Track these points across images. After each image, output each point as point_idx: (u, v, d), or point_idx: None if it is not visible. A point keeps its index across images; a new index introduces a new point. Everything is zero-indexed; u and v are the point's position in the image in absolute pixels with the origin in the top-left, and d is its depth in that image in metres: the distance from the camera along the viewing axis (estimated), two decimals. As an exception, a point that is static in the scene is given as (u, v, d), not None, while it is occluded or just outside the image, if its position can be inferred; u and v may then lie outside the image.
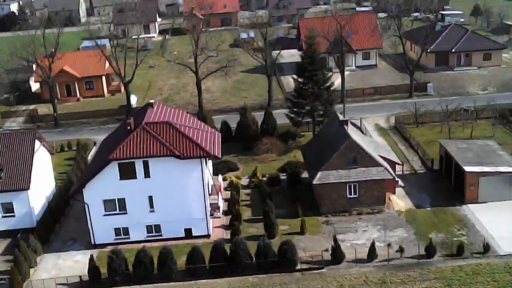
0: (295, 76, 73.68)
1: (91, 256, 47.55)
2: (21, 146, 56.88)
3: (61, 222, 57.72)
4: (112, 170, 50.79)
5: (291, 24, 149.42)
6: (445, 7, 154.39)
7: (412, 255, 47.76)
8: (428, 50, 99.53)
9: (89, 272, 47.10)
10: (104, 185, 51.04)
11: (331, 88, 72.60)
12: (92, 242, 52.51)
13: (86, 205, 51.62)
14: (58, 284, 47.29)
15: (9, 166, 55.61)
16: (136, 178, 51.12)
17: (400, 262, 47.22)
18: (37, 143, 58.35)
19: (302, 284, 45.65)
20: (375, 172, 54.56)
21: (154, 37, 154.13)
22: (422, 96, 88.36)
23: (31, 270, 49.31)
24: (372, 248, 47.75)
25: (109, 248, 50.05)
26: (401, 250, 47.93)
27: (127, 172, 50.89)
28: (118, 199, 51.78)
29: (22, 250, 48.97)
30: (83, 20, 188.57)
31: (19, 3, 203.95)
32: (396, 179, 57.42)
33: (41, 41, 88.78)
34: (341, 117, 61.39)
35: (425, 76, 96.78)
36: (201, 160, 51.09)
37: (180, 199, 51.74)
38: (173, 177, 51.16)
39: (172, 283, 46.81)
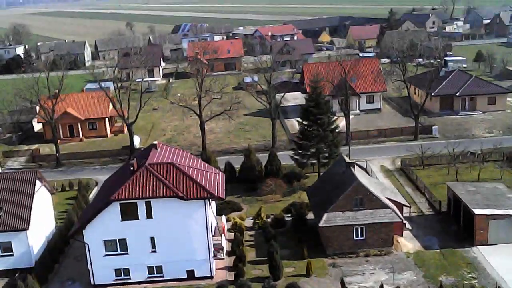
0: (299, 119, 73.26)
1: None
2: (21, 186, 56.02)
3: (61, 261, 56.28)
4: (113, 211, 49.78)
5: (294, 69, 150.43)
6: (447, 53, 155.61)
7: (422, 299, 46.24)
8: (433, 94, 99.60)
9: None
10: (105, 226, 49.97)
11: (336, 131, 72.08)
12: (92, 283, 51.04)
13: (86, 245, 50.38)
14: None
15: (9, 205, 54.63)
16: (138, 219, 49.99)
17: (410, 306, 45.67)
18: (38, 183, 57.50)
19: (308, 328, 44.01)
20: (382, 214, 53.42)
21: (158, 80, 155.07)
22: (427, 138, 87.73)
23: (28, 313, 47.74)
24: (381, 290, 46.22)
25: (109, 289, 48.72)
26: (410, 294, 46.40)
27: (129, 213, 49.85)
28: (119, 239, 50.55)
29: (20, 292, 47.49)
30: (88, 64, 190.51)
31: (25, 46, 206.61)
32: (404, 221, 56.17)
33: (45, 83, 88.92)
34: (347, 159, 60.60)
35: (430, 120, 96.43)
36: (204, 201, 50.08)
37: (183, 240, 50.51)
38: (176, 218, 50.08)
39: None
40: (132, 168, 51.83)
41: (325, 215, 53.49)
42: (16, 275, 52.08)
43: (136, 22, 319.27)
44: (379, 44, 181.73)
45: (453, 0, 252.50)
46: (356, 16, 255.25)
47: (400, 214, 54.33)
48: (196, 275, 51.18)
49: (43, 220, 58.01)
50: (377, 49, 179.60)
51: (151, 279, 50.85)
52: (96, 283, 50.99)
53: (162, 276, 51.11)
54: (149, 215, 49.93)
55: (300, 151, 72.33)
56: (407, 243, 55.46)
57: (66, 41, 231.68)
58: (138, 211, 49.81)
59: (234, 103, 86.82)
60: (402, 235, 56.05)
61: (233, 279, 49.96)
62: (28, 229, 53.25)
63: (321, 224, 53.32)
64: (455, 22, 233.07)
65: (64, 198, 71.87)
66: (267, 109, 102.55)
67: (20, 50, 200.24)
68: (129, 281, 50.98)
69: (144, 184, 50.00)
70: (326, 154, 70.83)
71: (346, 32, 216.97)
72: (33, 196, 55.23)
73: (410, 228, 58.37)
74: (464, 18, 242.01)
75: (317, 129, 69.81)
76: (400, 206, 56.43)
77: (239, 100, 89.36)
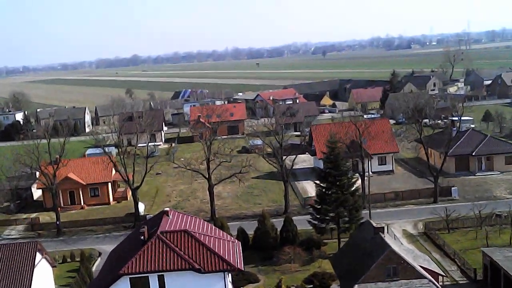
0: (317, 181, 69.22)
1: None
2: (21, 259, 51.61)
3: None
4: (122, 286, 44.98)
5: (299, 132, 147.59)
6: (453, 114, 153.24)
7: None
8: (448, 154, 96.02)
9: None
10: (113, 302, 45.10)
11: (357, 193, 67.98)
12: None
13: (91, 325, 45.32)
14: None
15: (7, 280, 49.85)
16: (149, 294, 45.21)
17: None
18: (38, 255, 52.89)
19: None
20: (418, 284, 48.48)
21: (160, 145, 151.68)
22: (447, 201, 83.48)
23: None
24: None
25: None
26: None
27: (139, 288, 45.09)
28: (128, 319, 45.56)
29: None
30: (88, 129, 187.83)
31: (24, 113, 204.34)
32: (440, 291, 51.28)
33: (45, 149, 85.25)
34: (374, 224, 56.16)
35: (447, 181, 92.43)
36: (224, 274, 45.40)
37: (200, 317, 45.52)
38: (192, 293, 45.31)
39: None
40: (142, 237, 47.32)
41: (356, 286, 48.61)
42: None
43: (135, 88, 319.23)
44: (382, 106, 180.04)
45: (452, 62, 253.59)
46: (356, 79, 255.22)
47: (437, 285, 49.48)
48: None
49: (43, 295, 52.98)
50: (380, 111, 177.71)
51: None
52: None
53: None
54: (162, 290, 45.10)
55: (318, 216, 67.97)
56: (445, 316, 50.46)
57: (66, 107, 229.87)
58: (150, 286, 44.99)
59: (245, 166, 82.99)
60: (438, 308, 51.04)
61: None
62: (27, 307, 48.25)
63: (351, 296, 48.40)
64: (456, 84, 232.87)
65: (65, 271, 66.61)
66: (275, 172, 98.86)
67: (19, 116, 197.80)
68: None
69: (156, 256, 45.47)
70: (347, 219, 66.43)
71: (347, 95, 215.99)
72: (33, 270, 50.54)
73: (445, 299, 53.46)
74: (464, 80, 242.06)
75: (336, 192, 65.72)
76: (435, 275, 51.71)
77: (250, 163, 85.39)
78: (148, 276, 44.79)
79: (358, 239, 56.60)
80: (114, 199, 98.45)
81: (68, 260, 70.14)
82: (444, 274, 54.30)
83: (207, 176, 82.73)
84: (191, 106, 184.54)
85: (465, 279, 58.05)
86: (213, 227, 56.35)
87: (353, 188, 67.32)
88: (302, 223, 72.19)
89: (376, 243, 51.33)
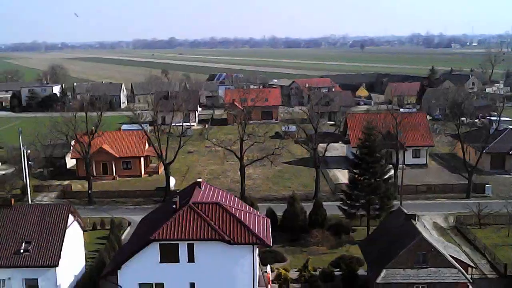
0: (350, 168, 68.80)
1: None
2: (53, 220, 51.96)
3: (89, 305, 51.74)
4: (152, 252, 45.33)
5: (333, 121, 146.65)
6: (491, 113, 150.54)
7: None
8: (484, 151, 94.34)
9: None
10: (142, 268, 45.45)
11: (390, 181, 67.33)
12: (124, 328, 46.19)
13: (120, 288, 45.85)
14: None
15: (39, 239, 50.50)
16: (178, 262, 45.45)
17: None
18: (70, 217, 53.51)
19: None
20: (447, 274, 48.02)
21: (194, 125, 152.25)
22: (480, 197, 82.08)
23: None
24: None
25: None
26: None
27: (169, 255, 45.34)
28: (156, 283, 45.90)
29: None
30: (123, 106, 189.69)
31: (61, 85, 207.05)
32: (469, 283, 50.54)
33: (82, 119, 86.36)
34: (405, 211, 55.57)
35: (481, 178, 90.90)
36: (253, 247, 45.43)
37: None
38: (220, 264, 45.41)
39: None
40: (174, 206, 47.64)
41: (384, 271, 48.24)
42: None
43: (171, 70, 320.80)
44: (419, 101, 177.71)
45: (493, 63, 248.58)
46: (393, 74, 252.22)
47: (466, 275, 48.83)
48: (239, 327, 46.07)
49: (73, 258, 53.74)
50: (416, 106, 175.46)
51: (189, 329, 45.61)
52: (129, 329, 46.11)
53: (202, 325, 46.08)
54: (191, 259, 45.34)
55: (348, 202, 67.57)
56: (473, 308, 49.78)
57: (103, 82, 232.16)
58: (179, 254, 45.30)
59: (277, 148, 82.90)
60: (466, 299, 50.40)
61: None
62: (57, 266, 48.93)
63: (378, 280, 48.04)
64: (496, 84, 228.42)
65: (95, 237, 67.58)
66: (307, 158, 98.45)
67: (56, 89, 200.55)
68: (165, 328, 45.88)
69: (187, 224, 45.73)
70: (378, 206, 65.88)
71: (383, 88, 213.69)
72: (65, 230, 51.15)
73: (473, 291, 52.65)
74: (504, 81, 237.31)
75: (368, 179, 65.21)
76: (465, 266, 50.96)
77: (283, 145, 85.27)
78: (178, 244, 45.05)
79: (388, 225, 56.12)
80: (145, 172, 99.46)
81: (98, 227, 71.18)
82: (474, 266, 53.52)
83: (239, 156, 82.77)
84: (225, 88, 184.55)
85: (494, 274, 57.14)
86: (243, 203, 56.48)
87: (386, 176, 66.67)
88: (331, 209, 71.91)
89: (406, 230, 50.81)
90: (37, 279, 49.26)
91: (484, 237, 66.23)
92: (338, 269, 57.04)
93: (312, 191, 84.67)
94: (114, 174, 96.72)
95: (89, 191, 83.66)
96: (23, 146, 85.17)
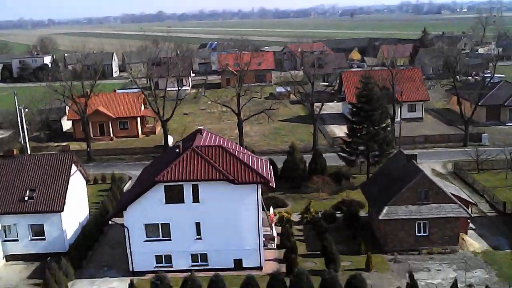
0: (349, 116, 69.02)
1: (131, 281, 41.63)
2: (57, 168, 52.23)
3: (95, 249, 52.20)
4: (157, 193, 45.70)
5: (327, 83, 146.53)
6: (485, 71, 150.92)
7: (500, 299, 41.23)
8: (479, 104, 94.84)
9: (128, 299, 41.10)
10: (147, 209, 45.91)
11: (388, 129, 67.72)
12: (130, 269, 46.71)
13: (126, 230, 46.24)
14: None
15: (44, 186, 50.79)
16: (183, 202, 45.84)
17: (490, 304, 40.63)
18: (73, 167, 53.68)
19: (375, 324, 39.20)
20: (449, 209, 48.68)
21: (187, 90, 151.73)
22: (477, 146, 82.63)
23: (61, 296, 43.46)
24: (455, 286, 41.23)
25: (149, 276, 43.99)
26: (488, 291, 41.36)
27: (174, 196, 45.70)
28: (162, 224, 46.39)
29: (53, 272, 43.23)
30: (115, 74, 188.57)
31: (52, 56, 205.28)
32: (470, 217, 51.40)
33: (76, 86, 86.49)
34: (406, 152, 56.07)
35: (477, 129, 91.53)
36: (257, 186, 45.80)
37: (231, 227, 46.21)
38: (225, 204, 45.86)
39: (223, 317, 40.54)
40: (178, 150, 47.94)
41: (386, 208, 48.83)
42: (48, 258, 47.79)
43: (162, 41, 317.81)
44: (412, 62, 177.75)
45: (484, 25, 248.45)
46: (385, 38, 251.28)
47: (468, 210, 49.56)
48: (244, 265, 46.67)
49: (77, 205, 54.12)
50: (409, 67, 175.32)
51: (195, 268, 46.06)
52: (135, 270, 46.63)
53: (207, 265, 46.60)
54: (196, 199, 45.74)
55: (348, 150, 68.00)
56: (474, 241, 50.59)
57: (94, 52, 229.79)
58: (184, 194, 45.66)
59: (275, 103, 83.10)
60: (466, 233, 51.28)
61: (285, 271, 45.29)
62: (62, 211, 49.27)
63: (381, 217, 48.68)
64: (488, 45, 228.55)
65: (97, 190, 68.04)
66: (303, 116, 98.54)
67: (47, 60, 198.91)
68: (171, 269, 46.27)
69: (191, 166, 45.98)
70: (377, 153, 66.34)
71: (375, 52, 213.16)
72: (69, 177, 51.37)
73: (473, 227, 53.52)
74: (496, 43, 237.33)
75: (367, 127, 65.55)
76: (465, 203, 51.63)
77: (280, 100, 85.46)
78: (182, 185, 45.36)
79: (389, 166, 56.62)
80: (142, 133, 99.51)
81: (99, 182, 71.46)
82: (474, 203, 54.35)
83: (236, 112, 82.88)
84: (218, 54, 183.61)
85: (493, 212, 58.03)
86: (245, 149, 56.84)
87: (384, 124, 67.00)
88: (330, 160, 72.34)
89: (408, 169, 51.28)
90: (42, 225, 49.62)
91: (483, 180, 66.99)
92: (340, 212, 57.82)
93: (310, 144, 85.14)
94: (111, 135, 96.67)
95: (88, 149, 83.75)
96: (19, 106, 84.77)
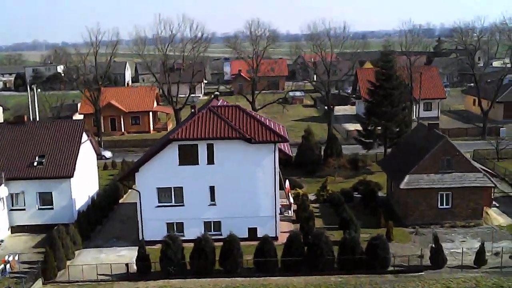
0: (366, 97, 67.57)
1: (142, 243, 39.93)
2: (67, 134, 51.00)
3: (104, 223, 50.60)
4: (171, 154, 44.02)
5: (340, 90, 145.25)
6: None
7: (529, 266, 39.02)
8: (497, 101, 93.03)
9: (138, 260, 39.39)
10: (160, 170, 44.20)
11: (406, 110, 66.05)
12: (140, 238, 44.82)
13: (137, 193, 44.66)
14: (99, 274, 39.57)
15: (54, 152, 49.39)
16: (198, 163, 44.12)
17: (517, 270, 38.51)
18: (84, 135, 52.39)
19: (397, 285, 37.09)
20: (473, 178, 46.77)
21: (200, 96, 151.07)
22: (496, 138, 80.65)
23: (68, 262, 41.70)
24: (481, 252, 39.22)
25: (159, 246, 41.65)
26: (515, 258, 39.34)
27: (188, 156, 43.98)
28: (174, 188, 44.69)
29: (61, 236, 41.65)
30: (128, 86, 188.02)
31: (65, 65, 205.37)
32: (494, 187, 49.48)
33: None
34: (427, 123, 54.34)
35: (495, 125, 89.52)
36: (274, 146, 44.09)
37: (247, 192, 44.43)
38: (241, 165, 44.08)
39: (237, 278, 38.65)
40: (193, 110, 46.72)
41: (407, 176, 46.99)
42: (56, 227, 46.07)
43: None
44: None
45: (498, 41, 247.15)
46: (398, 50, 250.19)
47: (492, 179, 47.61)
48: (258, 235, 44.38)
49: (87, 177, 52.72)
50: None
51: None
52: (145, 239, 44.54)
53: (221, 234, 44.26)
54: (211, 160, 44.08)
55: (364, 133, 66.28)
56: (498, 216, 48.54)
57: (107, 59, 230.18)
58: (199, 155, 43.97)
59: (289, 91, 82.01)
60: (490, 207, 49.25)
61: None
62: (72, 176, 47.75)
63: (402, 186, 46.79)
64: (502, 59, 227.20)
65: (107, 175, 66.55)
66: (316, 117, 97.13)
67: (60, 69, 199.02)
68: (183, 238, 44.13)
69: (206, 125, 44.50)
70: (395, 136, 64.51)
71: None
72: (79, 144, 50.00)
73: (497, 205, 51.48)
74: (510, 57, 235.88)
75: (385, 106, 63.84)
76: (489, 175, 49.64)
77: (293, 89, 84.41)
78: (197, 145, 43.78)
79: (410, 139, 54.87)
80: (154, 129, 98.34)
81: (110, 168, 70.16)
82: (496, 175, 52.38)
83: (250, 100, 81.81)
84: (231, 61, 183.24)
85: (516, 192, 56.04)
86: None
87: (404, 104, 65.33)
88: (345, 151, 70.52)
89: (430, 138, 49.47)
90: (51, 193, 48.12)
91: (503, 167, 64.94)
92: (357, 192, 55.93)
93: (324, 139, 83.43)
94: (123, 130, 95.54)
95: (99, 139, 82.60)
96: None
